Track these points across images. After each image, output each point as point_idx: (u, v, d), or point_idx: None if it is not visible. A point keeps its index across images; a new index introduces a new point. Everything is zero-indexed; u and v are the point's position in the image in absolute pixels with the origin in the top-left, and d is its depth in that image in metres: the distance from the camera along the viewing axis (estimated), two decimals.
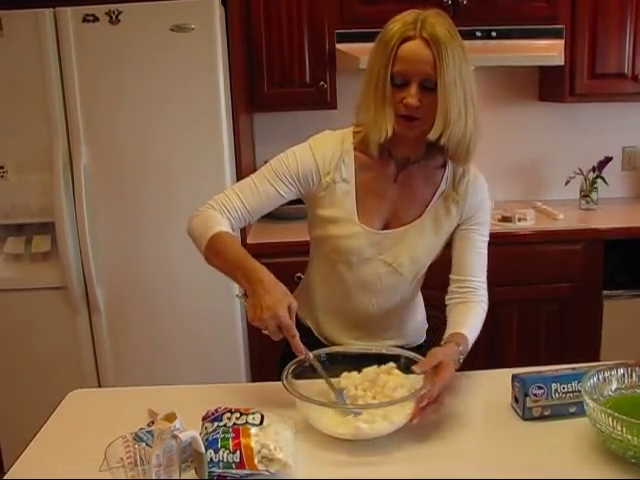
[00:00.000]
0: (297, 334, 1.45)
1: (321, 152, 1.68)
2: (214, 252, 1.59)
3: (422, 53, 1.50)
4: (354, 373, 1.56)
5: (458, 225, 1.74)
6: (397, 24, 1.53)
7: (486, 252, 1.77)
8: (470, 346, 1.62)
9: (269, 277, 1.48)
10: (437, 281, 1.81)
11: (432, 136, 1.56)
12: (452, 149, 1.61)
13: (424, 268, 1.78)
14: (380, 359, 1.58)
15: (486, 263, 1.76)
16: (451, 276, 1.76)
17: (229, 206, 1.66)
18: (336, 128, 1.75)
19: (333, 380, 1.52)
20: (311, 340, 1.48)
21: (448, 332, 1.63)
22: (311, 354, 1.51)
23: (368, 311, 1.79)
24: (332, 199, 1.69)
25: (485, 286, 1.75)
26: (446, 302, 1.75)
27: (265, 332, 1.44)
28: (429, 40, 1.49)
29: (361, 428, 1.37)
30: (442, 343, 1.59)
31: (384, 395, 1.48)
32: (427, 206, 1.72)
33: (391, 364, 1.55)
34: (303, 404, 1.41)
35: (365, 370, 1.55)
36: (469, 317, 1.69)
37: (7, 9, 2.69)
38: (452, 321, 1.68)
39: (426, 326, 1.97)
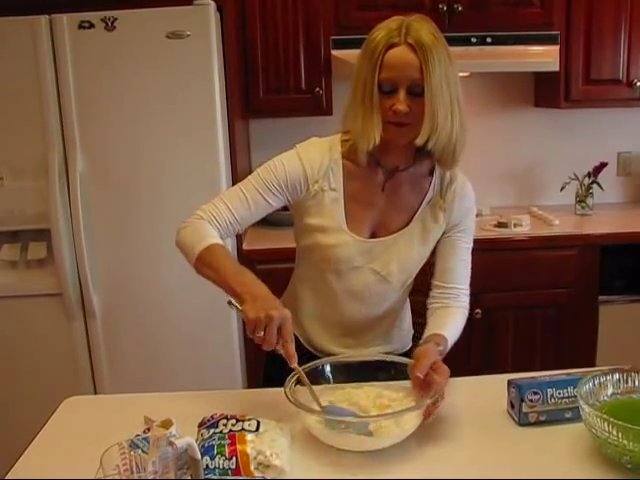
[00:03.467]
0: (294, 340, 1.43)
1: (309, 160, 1.67)
2: (206, 265, 1.56)
3: (408, 59, 1.50)
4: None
5: (444, 232, 1.75)
6: (381, 31, 1.53)
7: (470, 259, 1.78)
8: (449, 348, 1.62)
9: (266, 292, 1.45)
10: (422, 288, 1.81)
11: (419, 141, 1.56)
12: (439, 153, 1.61)
13: (412, 276, 1.77)
14: (381, 367, 1.59)
15: (469, 270, 1.78)
16: (434, 282, 1.77)
17: (218, 216, 1.64)
18: (332, 134, 1.74)
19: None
20: (297, 349, 1.46)
21: (428, 333, 1.64)
22: (299, 367, 1.46)
23: (356, 319, 1.79)
24: (320, 208, 1.68)
25: (467, 293, 1.77)
26: (428, 306, 1.76)
27: (259, 337, 1.40)
28: (414, 45, 1.50)
29: (364, 440, 1.37)
30: (421, 342, 1.60)
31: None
32: (415, 214, 1.72)
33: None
34: (304, 414, 1.40)
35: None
36: (449, 320, 1.70)
37: (2, 16, 2.70)
38: (432, 323, 1.69)
39: (412, 333, 1.97)
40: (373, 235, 1.71)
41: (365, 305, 1.77)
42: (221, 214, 1.64)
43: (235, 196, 1.67)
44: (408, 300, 1.91)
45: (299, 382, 1.47)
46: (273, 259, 2.91)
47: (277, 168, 1.67)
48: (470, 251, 1.78)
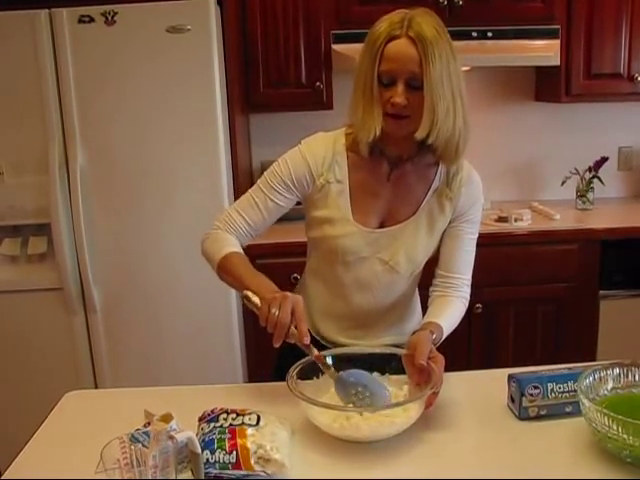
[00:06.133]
0: (306, 320, 1.45)
1: (313, 154, 1.69)
2: (225, 272, 1.63)
3: (408, 52, 1.50)
4: None
5: (450, 221, 1.75)
6: (384, 24, 1.54)
7: (474, 250, 1.78)
8: (444, 336, 1.63)
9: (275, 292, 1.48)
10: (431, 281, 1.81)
11: (419, 135, 1.56)
12: (441, 148, 1.61)
13: (420, 266, 1.78)
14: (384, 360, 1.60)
15: (473, 261, 1.79)
16: (437, 270, 1.78)
17: (234, 225, 1.70)
18: (332, 128, 1.75)
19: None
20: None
21: (425, 321, 1.65)
22: (311, 344, 1.48)
23: (365, 310, 1.80)
24: (327, 200, 1.70)
25: (469, 283, 1.78)
26: (429, 294, 1.78)
27: (272, 318, 1.40)
28: (415, 39, 1.50)
29: (366, 430, 1.37)
30: (416, 330, 1.61)
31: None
32: (421, 203, 1.72)
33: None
34: (307, 405, 1.41)
35: None
36: (447, 309, 1.71)
37: (2, 10, 2.69)
38: (430, 311, 1.70)
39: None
40: (381, 225, 1.72)
41: (374, 295, 1.78)
42: (235, 223, 1.71)
43: (247, 203, 1.73)
44: (417, 292, 1.92)
45: (301, 376, 1.49)
46: (274, 253, 2.91)
47: (282, 168, 1.71)
48: (475, 242, 1.78)
